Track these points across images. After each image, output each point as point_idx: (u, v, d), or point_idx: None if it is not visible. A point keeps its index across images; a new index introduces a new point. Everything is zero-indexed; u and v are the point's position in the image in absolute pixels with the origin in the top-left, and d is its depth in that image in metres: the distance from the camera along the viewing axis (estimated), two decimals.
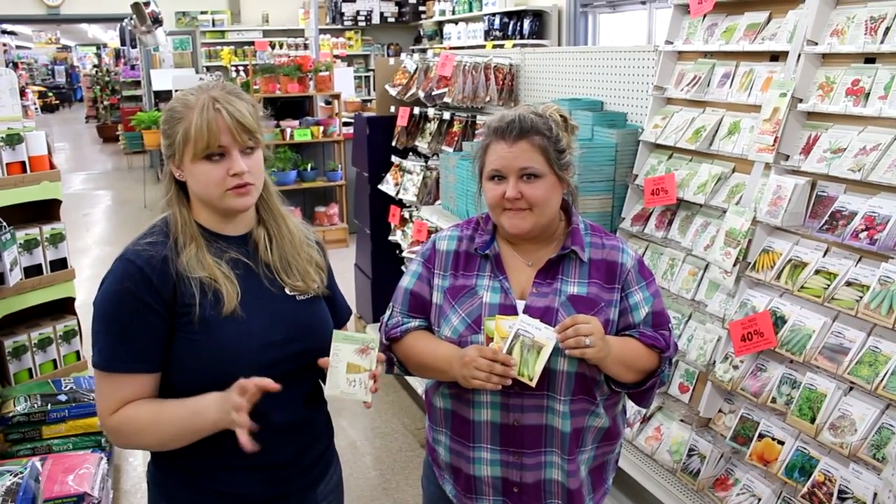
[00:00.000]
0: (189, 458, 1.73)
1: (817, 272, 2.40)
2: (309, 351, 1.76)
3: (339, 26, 14.41)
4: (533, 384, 1.76)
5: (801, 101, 2.54)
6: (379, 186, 5.09)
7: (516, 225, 1.87)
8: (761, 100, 2.65)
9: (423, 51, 12.01)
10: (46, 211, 4.18)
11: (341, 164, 8.57)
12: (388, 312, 2.05)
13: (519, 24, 10.45)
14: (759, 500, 2.51)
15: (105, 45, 25.74)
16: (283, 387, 1.63)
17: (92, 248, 8.64)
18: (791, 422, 2.36)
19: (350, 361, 1.72)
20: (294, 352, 1.75)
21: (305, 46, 13.54)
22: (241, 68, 12.98)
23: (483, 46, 10.59)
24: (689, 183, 2.93)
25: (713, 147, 2.88)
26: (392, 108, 5.18)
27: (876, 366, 2.18)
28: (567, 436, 1.87)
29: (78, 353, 4.28)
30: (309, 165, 8.46)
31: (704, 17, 3.05)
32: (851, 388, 2.27)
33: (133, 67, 16.07)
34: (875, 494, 2.12)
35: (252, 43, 13.09)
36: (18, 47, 29.64)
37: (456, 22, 12.23)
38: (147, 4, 10.54)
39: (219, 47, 14.65)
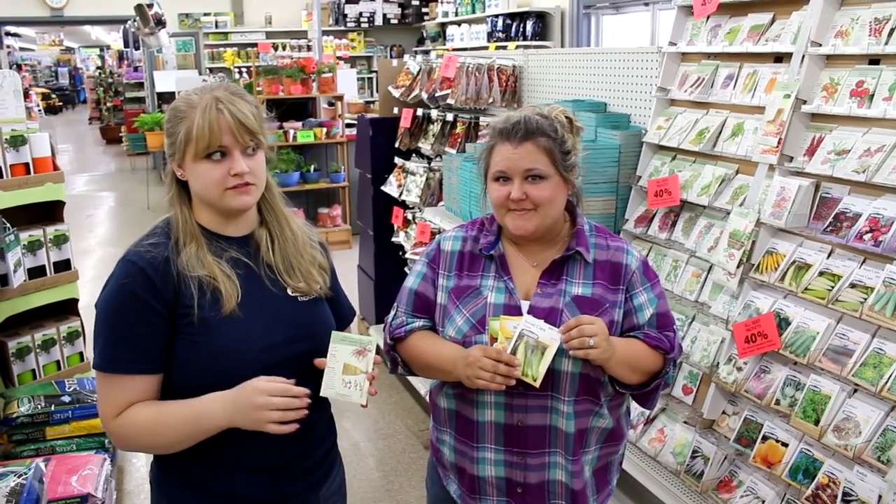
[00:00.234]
0: (191, 460, 1.73)
1: (821, 274, 2.40)
2: (310, 352, 1.76)
3: (342, 28, 14.42)
4: (537, 385, 1.76)
5: (805, 102, 2.54)
6: (382, 188, 5.09)
7: (521, 226, 1.87)
8: (765, 101, 2.65)
9: (426, 52, 12.05)
10: (50, 212, 4.18)
11: (344, 165, 8.57)
12: (392, 312, 2.05)
13: (522, 25, 10.44)
14: (763, 502, 2.50)
15: (108, 47, 25.78)
16: None
17: (95, 250, 8.65)
18: (795, 424, 2.36)
19: (347, 363, 1.72)
20: (295, 353, 1.75)
21: (308, 48, 13.54)
22: (244, 70, 12.99)
23: (486, 48, 10.59)
24: (692, 184, 2.92)
25: (717, 148, 2.88)
26: (395, 110, 5.18)
27: (880, 368, 2.18)
28: (571, 436, 1.87)
29: (81, 354, 4.29)
30: (312, 167, 8.46)
31: (708, 18, 3.05)
32: (856, 390, 2.27)
33: (136, 69, 16.08)
34: (880, 497, 2.12)
35: (255, 44, 13.12)
36: (22, 49, 29.67)
37: (459, 23, 12.23)
38: (150, 6, 10.56)
39: (222, 49, 14.66)
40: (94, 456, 3.29)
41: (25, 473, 2.65)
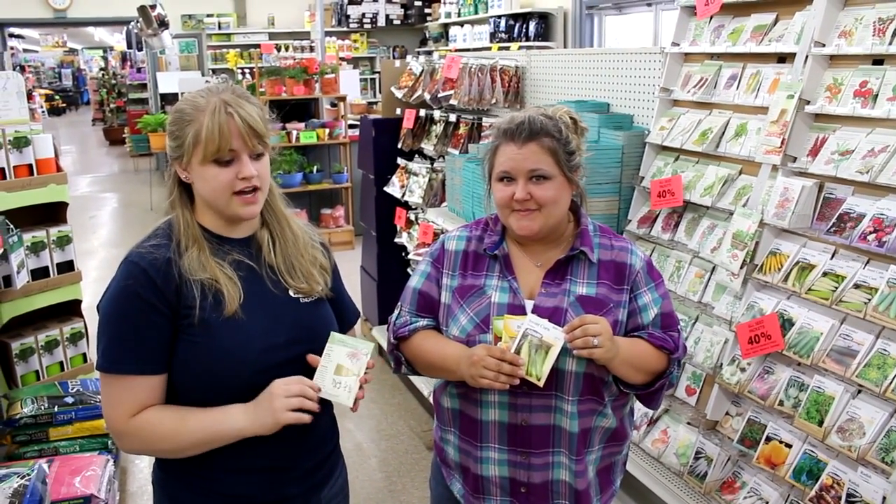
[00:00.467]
0: (193, 461, 1.73)
1: (825, 274, 2.39)
2: (312, 353, 1.76)
3: (345, 29, 14.43)
4: (541, 384, 1.76)
5: (808, 102, 2.53)
6: (385, 189, 5.09)
7: (525, 226, 1.87)
8: (768, 102, 2.64)
9: (429, 53, 12.04)
10: (53, 213, 4.19)
11: (347, 166, 8.57)
12: (396, 312, 2.05)
13: (524, 26, 10.44)
14: (767, 503, 2.50)
15: (111, 48, 25.84)
16: None
17: (98, 251, 8.66)
18: (799, 425, 2.36)
19: (340, 363, 1.73)
20: (296, 354, 1.75)
21: (311, 49, 13.55)
22: (246, 71, 13.02)
23: (489, 48, 10.58)
24: (695, 185, 2.92)
25: (720, 149, 2.87)
26: (398, 111, 5.18)
27: (884, 368, 2.17)
28: (575, 436, 1.87)
29: (84, 355, 4.29)
30: (315, 168, 8.46)
31: (711, 18, 3.05)
32: (860, 391, 2.27)
33: (139, 70, 16.10)
34: (884, 498, 2.11)
35: (258, 45, 13.10)
36: (25, 51, 29.75)
37: (461, 24, 12.22)
38: (153, 7, 10.57)
39: (225, 50, 14.67)
40: (98, 457, 3.29)
41: (28, 474, 2.66)
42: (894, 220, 2.22)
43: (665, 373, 1.91)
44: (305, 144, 8.38)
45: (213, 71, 13.80)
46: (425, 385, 4.39)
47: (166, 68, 12.80)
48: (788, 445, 2.44)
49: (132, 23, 12.86)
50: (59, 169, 4.11)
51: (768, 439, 2.50)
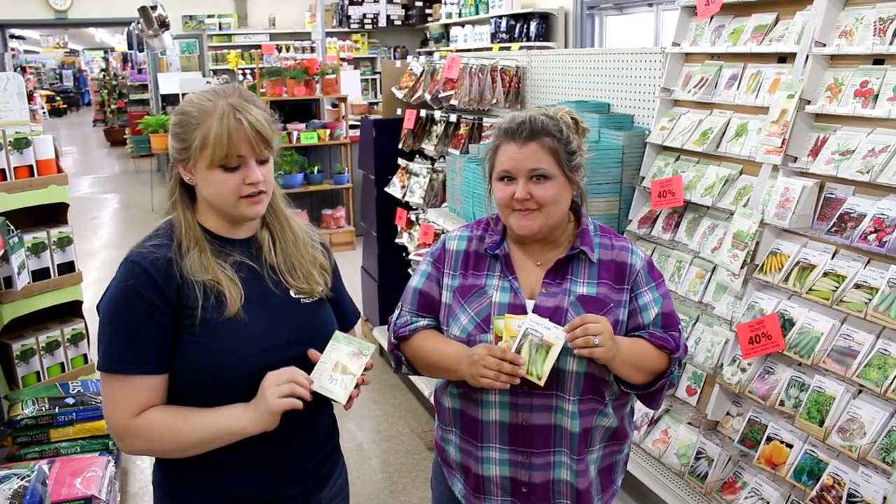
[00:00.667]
0: (193, 461, 1.73)
1: (826, 274, 2.39)
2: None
3: (346, 29, 14.42)
4: (541, 384, 1.76)
5: (809, 102, 2.53)
6: (385, 189, 5.09)
7: (525, 226, 1.87)
8: (769, 101, 2.64)
9: (430, 53, 12.03)
10: (54, 214, 4.20)
11: (348, 166, 8.58)
12: (396, 312, 2.06)
13: (525, 26, 10.44)
14: (768, 503, 2.50)
15: (112, 49, 25.86)
16: None
17: (99, 252, 8.67)
18: (799, 425, 2.35)
19: (340, 361, 1.73)
20: (297, 354, 1.75)
21: (312, 49, 13.56)
22: (247, 71, 13.02)
23: (489, 49, 10.58)
24: (696, 185, 2.92)
25: (720, 149, 2.87)
26: (398, 111, 5.18)
27: (885, 369, 2.17)
28: (576, 436, 1.87)
29: (85, 356, 4.30)
30: (316, 168, 8.47)
31: (711, 18, 3.05)
32: (860, 391, 2.26)
33: (140, 71, 16.12)
34: (885, 498, 2.11)
35: (259, 46, 13.12)
36: (26, 52, 29.77)
37: (462, 24, 12.22)
38: (154, 8, 10.58)
39: (225, 51, 14.67)
40: (99, 458, 3.30)
41: (28, 476, 2.66)
42: (895, 220, 2.22)
43: (666, 372, 1.91)
44: (306, 145, 8.39)
45: (214, 72, 13.81)
46: (426, 385, 4.39)
47: (167, 69, 12.80)
48: (789, 445, 2.44)
49: (133, 24, 12.87)
50: (59, 170, 4.11)
51: (769, 439, 2.50)
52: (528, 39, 10.31)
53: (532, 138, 1.85)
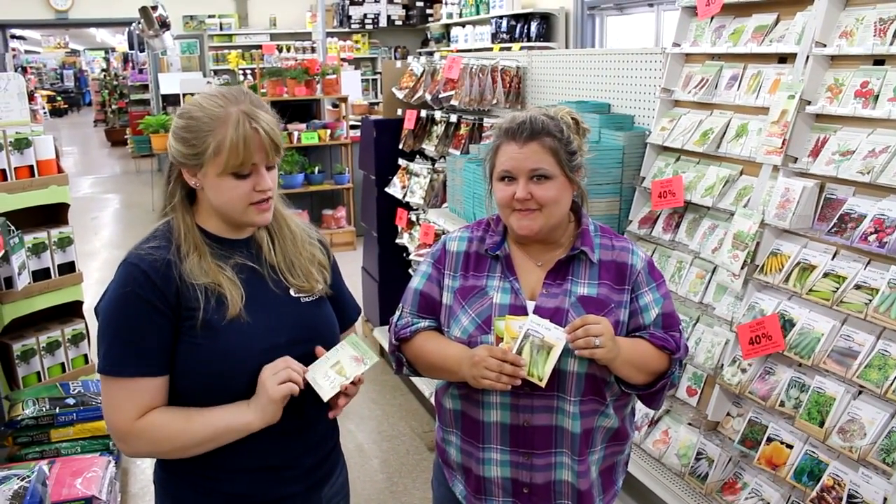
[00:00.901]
0: (194, 460, 1.73)
1: (826, 275, 2.39)
2: (312, 353, 1.77)
3: (347, 29, 14.42)
4: (543, 384, 1.76)
5: (809, 103, 2.53)
6: (386, 189, 5.09)
7: (525, 226, 1.87)
8: (769, 102, 2.64)
9: (430, 54, 12.02)
10: (54, 215, 4.20)
11: (348, 167, 8.58)
12: (397, 313, 2.05)
13: (526, 26, 10.44)
14: (768, 503, 2.50)
15: (113, 50, 25.86)
16: None
17: (100, 252, 8.67)
18: (800, 425, 2.35)
19: (340, 361, 1.74)
20: (298, 354, 1.75)
21: (313, 49, 13.56)
22: (248, 72, 13.01)
23: (490, 49, 10.58)
24: (696, 185, 2.92)
25: (721, 149, 2.87)
26: (399, 111, 5.18)
27: (885, 369, 2.17)
28: (577, 437, 1.87)
29: (86, 356, 4.30)
30: (316, 168, 8.47)
31: (712, 19, 3.04)
32: (861, 392, 2.26)
33: (141, 71, 16.12)
34: (885, 499, 2.11)
35: (259, 46, 13.13)
36: (27, 52, 29.77)
37: (463, 25, 12.23)
38: (155, 8, 10.58)
39: (226, 51, 14.66)
40: (99, 458, 3.30)
41: (28, 476, 2.66)
42: (895, 221, 2.21)
43: (666, 373, 1.91)
44: (307, 145, 8.39)
45: (215, 72, 13.80)
46: (427, 386, 4.39)
47: (168, 69, 12.81)
48: (789, 446, 2.44)
49: (134, 24, 12.87)
50: (60, 170, 4.12)
51: (769, 440, 2.50)
52: (529, 40, 10.31)
53: (533, 138, 1.85)
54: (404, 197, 4.85)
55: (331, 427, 1.95)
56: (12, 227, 3.60)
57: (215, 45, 14.68)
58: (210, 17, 14.84)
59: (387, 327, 2.11)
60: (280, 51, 13.23)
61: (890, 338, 2.21)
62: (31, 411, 3.50)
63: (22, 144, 3.86)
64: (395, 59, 13.92)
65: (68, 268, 4.16)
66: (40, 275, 4.00)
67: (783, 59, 2.74)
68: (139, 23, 11.02)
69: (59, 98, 27.85)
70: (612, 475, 2.01)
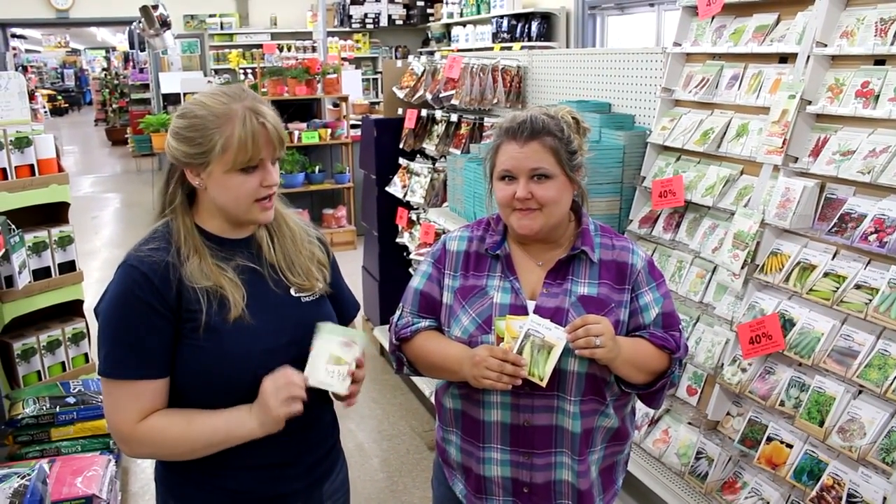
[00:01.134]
0: (196, 458, 1.73)
1: (826, 275, 2.39)
2: None
3: (347, 29, 14.43)
4: (543, 384, 1.76)
5: (809, 103, 2.53)
6: (386, 189, 5.09)
7: (526, 225, 1.87)
8: (770, 102, 2.64)
9: (431, 53, 12.03)
10: (55, 214, 4.20)
11: (349, 166, 8.58)
12: (397, 313, 2.05)
13: (527, 26, 10.44)
14: (768, 503, 2.50)
15: (114, 49, 25.86)
16: None
17: (100, 251, 8.67)
18: (799, 425, 2.35)
19: (333, 352, 1.72)
20: (298, 354, 1.75)
21: (313, 49, 13.55)
22: (249, 71, 13.02)
23: (491, 48, 10.58)
24: (697, 185, 2.92)
25: (721, 149, 2.87)
26: (399, 111, 5.18)
27: (885, 369, 2.17)
28: (577, 436, 1.87)
29: (86, 355, 4.30)
30: (317, 168, 8.47)
31: (713, 18, 3.04)
32: (860, 392, 2.26)
33: (142, 70, 16.13)
34: (885, 498, 2.11)
35: (260, 45, 13.12)
36: (28, 51, 29.78)
37: (464, 24, 12.22)
38: (155, 8, 10.58)
39: (227, 50, 14.67)
40: (99, 457, 3.30)
41: (29, 475, 2.66)
42: (895, 221, 2.22)
43: (667, 372, 1.91)
44: (307, 144, 8.39)
45: (216, 71, 13.82)
46: (427, 385, 4.39)
47: (168, 68, 12.83)
48: (789, 446, 2.44)
49: (134, 23, 12.86)
50: (60, 169, 4.12)
51: (769, 439, 2.50)
52: (530, 39, 10.31)
53: (533, 138, 1.85)
54: (405, 196, 4.85)
55: (331, 425, 1.96)
56: (13, 226, 3.60)
57: (216, 44, 14.69)
58: (211, 16, 14.84)
59: (387, 327, 2.11)
60: (281, 50, 13.21)
61: (890, 337, 2.21)
62: (31, 410, 3.50)
63: (22, 143, 3.86)
64: (396, 58, 13.91)
65: (69, 267, 4.16)
66: (41, 274, 4.01)
67: (784, 58, 2.74)
68: (140, 22, 11.02)
69: (59, 97, 27.85)
70: (612, 475, 2.01)
